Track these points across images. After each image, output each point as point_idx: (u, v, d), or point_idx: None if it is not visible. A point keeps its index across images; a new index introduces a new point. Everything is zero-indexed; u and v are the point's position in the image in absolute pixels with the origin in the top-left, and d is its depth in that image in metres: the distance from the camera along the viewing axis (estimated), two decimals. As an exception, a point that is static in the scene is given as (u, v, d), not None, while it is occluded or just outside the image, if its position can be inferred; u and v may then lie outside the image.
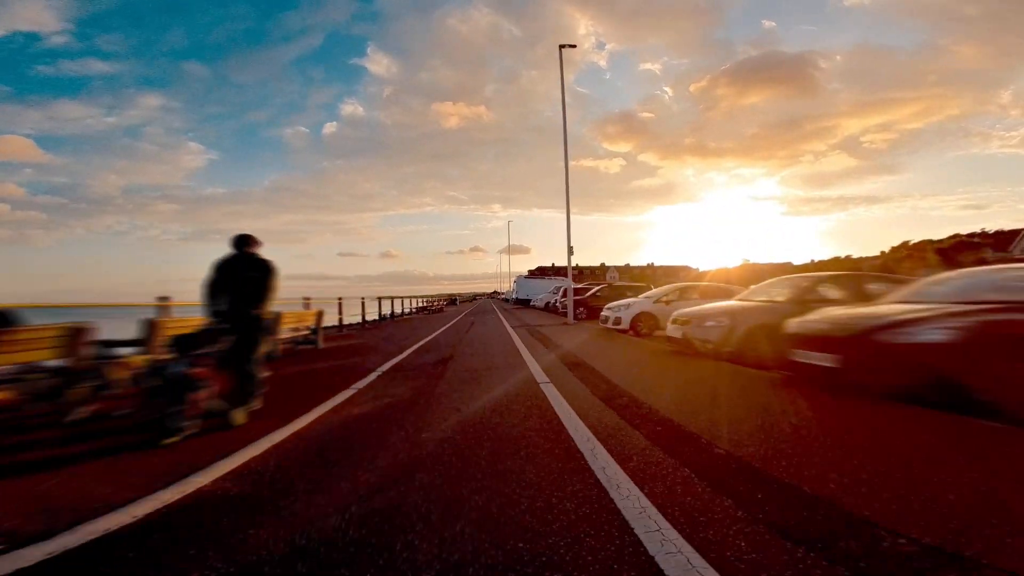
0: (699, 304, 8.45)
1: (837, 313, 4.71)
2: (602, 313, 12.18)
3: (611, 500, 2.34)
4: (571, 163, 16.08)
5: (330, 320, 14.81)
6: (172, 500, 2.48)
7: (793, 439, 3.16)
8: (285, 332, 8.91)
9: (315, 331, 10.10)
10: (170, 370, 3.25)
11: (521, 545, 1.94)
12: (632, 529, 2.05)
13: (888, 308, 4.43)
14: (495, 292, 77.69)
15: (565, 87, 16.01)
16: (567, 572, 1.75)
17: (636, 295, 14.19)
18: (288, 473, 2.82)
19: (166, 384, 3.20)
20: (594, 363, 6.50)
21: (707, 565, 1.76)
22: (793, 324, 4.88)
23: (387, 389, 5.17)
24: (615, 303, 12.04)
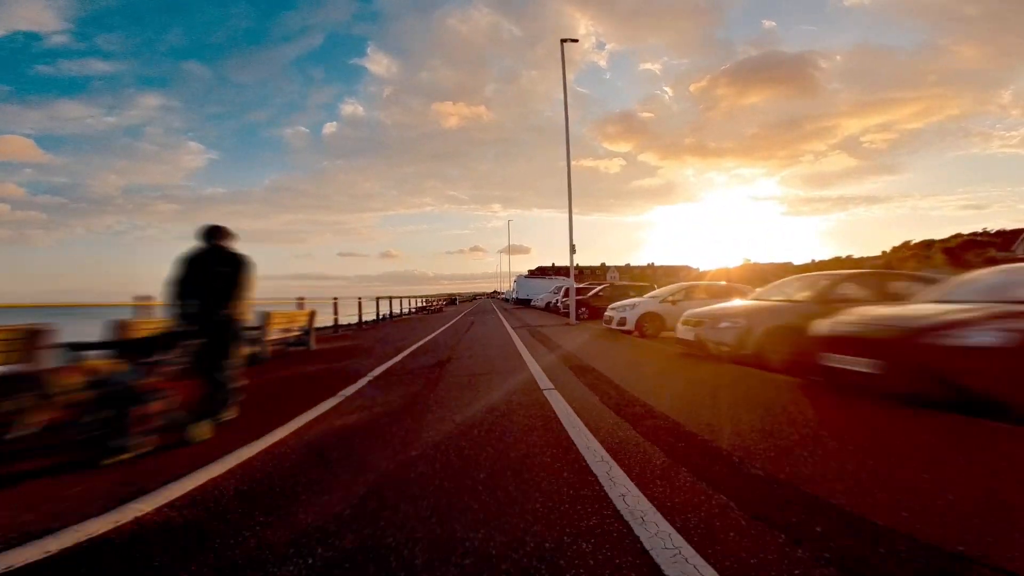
0: (707, 304, 8.03)
1: (873, 313, 4.28)
2: (606, 313, 11.76)
3: (637, 539, 1.92)
4: (571, 163, 15.64)
5: (326, 321, 14.41)
6: (100, 532, 2.07)
7: (840, 456, 2.73)
8: (275, 333, 8.48)
9: (307, 332, 9.67)
10: (113, 380, 2.82)
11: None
12: (668, 582, 1.64)
13: (928, 308, 4.01)
14: (495, 292, 77.22)
15: (566, 86, 15.57)
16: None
17: (639, 295, 13.77)
18: (246, 499, 2.39)
19: (108, 396, 2.77)
20: (600, 367, 6.07)
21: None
22: (823, 325, 4.46)
23: (377, 397, 4.74)
24: (619, 303, 11.62)
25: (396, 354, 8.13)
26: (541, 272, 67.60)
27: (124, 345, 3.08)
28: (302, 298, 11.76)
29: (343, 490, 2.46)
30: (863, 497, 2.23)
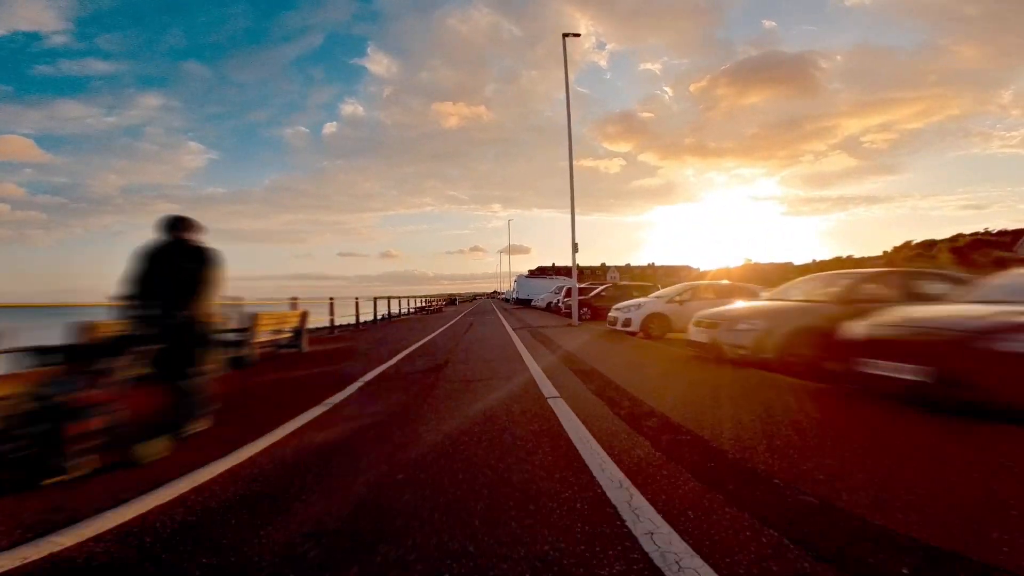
0: (715, 305, 7.62)
1: (918, 315, 3.85)
2: (610, 314, 11.35)
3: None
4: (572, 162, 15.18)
5: (322, 321, 14.00)
6: (6, 568, 1.67)
7: (910, 479, 2.32)
8: (264, 335, 8.07)
9: (299, 334, 9.24)
10: (47, 392, 2.40)
11: None
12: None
13: (980, 309, 3.59)
14: (495, 292, 76.72)
15: (568, 81, 15.15)
16: None
17: (642, 295, 13.36)
18: (189, 534, 1.98)
19: (41, 410, 2.36)
20: (607, 372, 5.66)
21: None
22: (858, 328, 4.04)
23: (366, 406, 4.32)
24: (624, 303, 11.21)
25: (391, 357, 7.71)
26: (541, 272, 67.19)
27: (65, 351, 2.66)
28: (295, 298, 11.35)
29: (312, 524, 2.05)
30: (955, 532, 1.82)
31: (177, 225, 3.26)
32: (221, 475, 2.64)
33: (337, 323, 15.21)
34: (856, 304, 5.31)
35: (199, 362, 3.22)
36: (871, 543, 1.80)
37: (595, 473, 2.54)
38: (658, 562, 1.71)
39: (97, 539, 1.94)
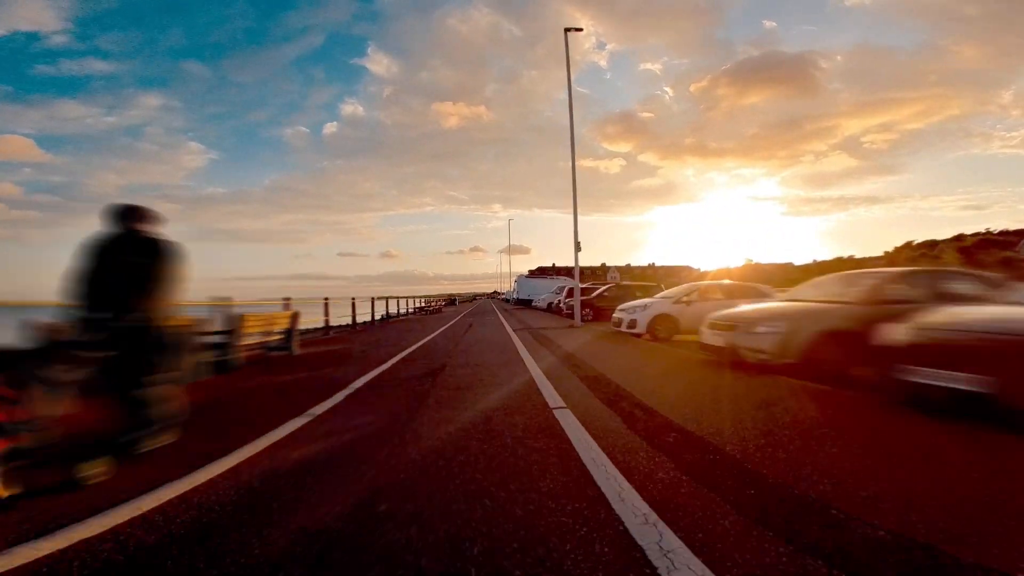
0: (724, 305, 7.21)
1: (972, 316, 3.44)
2: (614, 315, 10.94)
3: None
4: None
5: (317, 322, 13.60)
6: None
7: (980, 505, 1.92)
8: (251, 337, 7.65)
9: (289, 335, 8.82)
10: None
11: None
12: None
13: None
14: (495, 292, 76.25)
15: (570, 76, 14.75)
16: None
17: (645, 295, 12.96)
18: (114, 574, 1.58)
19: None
20: (617, 378, 5.25)
21: None
22: (898, 331, 3.63)
23: (352, 417, 3.92)
24: (629, 304, 10.81)
25: (386, 360, 7.31)
26: (542, 272, 66.83)
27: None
28: (288, 298, 10.94)
29: (267, 568, 1.65)
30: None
31: (128, 215, 2.85)
32: (170, 501, 2.24)
33: (333, 324, 14.82)
34: (885, 305, 4.92)
35: (156, 369, 2.82)
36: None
37: (613, 504, 2.14)
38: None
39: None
